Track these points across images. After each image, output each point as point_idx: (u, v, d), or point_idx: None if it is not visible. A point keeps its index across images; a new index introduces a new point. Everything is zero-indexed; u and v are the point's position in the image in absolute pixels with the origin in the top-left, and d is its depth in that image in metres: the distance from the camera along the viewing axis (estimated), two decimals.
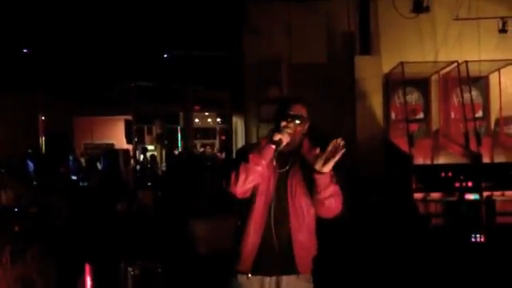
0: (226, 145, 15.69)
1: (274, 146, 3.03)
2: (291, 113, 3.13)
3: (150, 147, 16.87)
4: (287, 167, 3.18)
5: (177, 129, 17.88)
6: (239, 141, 11.68)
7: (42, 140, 16.82)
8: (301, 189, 3.13)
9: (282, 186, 3.14)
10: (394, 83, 9.59)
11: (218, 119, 19.06)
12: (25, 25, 12.78)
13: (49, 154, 15.82)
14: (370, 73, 9.35)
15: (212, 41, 12.66)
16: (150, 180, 12.75)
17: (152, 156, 15.48)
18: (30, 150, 13.89)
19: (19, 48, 14.41)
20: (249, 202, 3.12)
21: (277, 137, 3.05)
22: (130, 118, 16.28)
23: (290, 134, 3.07)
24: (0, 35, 12.77)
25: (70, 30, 13.11)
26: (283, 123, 3.11)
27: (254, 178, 3.04)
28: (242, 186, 3.04)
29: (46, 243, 5.51)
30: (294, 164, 3.19)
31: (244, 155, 3.08)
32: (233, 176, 3.03)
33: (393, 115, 9.74)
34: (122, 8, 11.98)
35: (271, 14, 10.02)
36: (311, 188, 3.09)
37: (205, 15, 11.68)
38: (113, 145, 17.86)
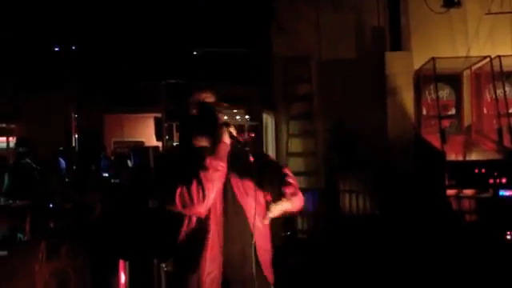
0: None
1: (228, 142, 2.59)
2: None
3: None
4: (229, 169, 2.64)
5: None
6: (269, 138, 11.66)
7: (75, 138, 17.06)
8: (248, 190, 2.67)
9: (229, 194, 2.65)
10: (425, 79, 9.47)
11: (247, 116, 19.06)
12: (57, 24, 13.01)
13: (81, 152, 16.05)
14: (401, 68, 9.24)
15: (240, 38, 12.69)
16: None
17: None
18: (61, 148, 14.09)
19: (51, 47, 14.68)
20: (198, 227, 2.62)
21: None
22: (159, 115, 16.44)
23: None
24: (33, 35, 13.02)
25: (101, 29, 13.30)
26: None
27: (216, 187, 2.54)
28: (208, 200, 2.50)
29: (80, 239, 5.62)
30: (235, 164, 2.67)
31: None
32: (195, 193, 2.47)
33: (424, 111, 9.62)
34: (151, 6, 12.10)
35: (300, 10, 9.97)
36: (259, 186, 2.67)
37: (233, 12, 11.72)
38: (142, 142, 18.04)
